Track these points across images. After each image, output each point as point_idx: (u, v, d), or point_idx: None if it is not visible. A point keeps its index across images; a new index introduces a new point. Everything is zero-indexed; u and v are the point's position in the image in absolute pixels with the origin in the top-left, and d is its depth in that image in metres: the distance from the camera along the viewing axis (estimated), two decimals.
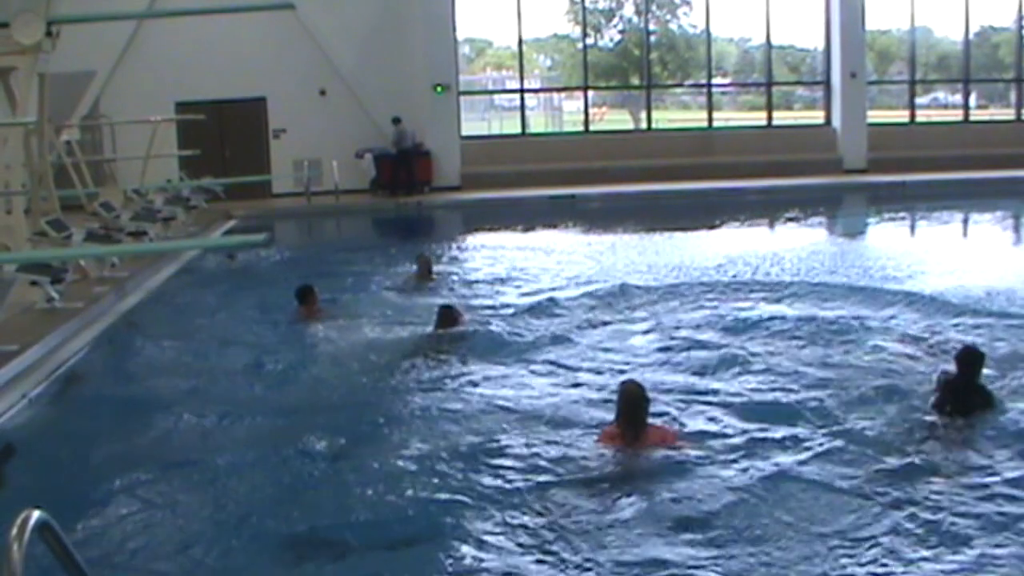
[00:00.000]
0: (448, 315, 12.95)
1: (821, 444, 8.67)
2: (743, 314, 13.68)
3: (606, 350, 12.19)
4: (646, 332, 13.11)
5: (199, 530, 7.41)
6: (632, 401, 8.57)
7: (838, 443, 8.68)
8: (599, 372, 11.13)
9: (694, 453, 8.43)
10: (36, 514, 4.04)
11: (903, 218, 26.54)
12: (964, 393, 9.19)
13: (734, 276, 16.83)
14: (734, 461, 8.32)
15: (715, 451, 8.55)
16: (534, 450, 8.64)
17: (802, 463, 8.24)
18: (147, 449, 9.30)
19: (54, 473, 8.75)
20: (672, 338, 12.53)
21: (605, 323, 13.67)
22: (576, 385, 10.74)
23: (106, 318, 14.68)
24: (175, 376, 11.83)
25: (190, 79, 30.12)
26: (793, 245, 18.56)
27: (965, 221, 26.96)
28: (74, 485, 8.33)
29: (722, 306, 14.22)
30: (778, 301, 14.57)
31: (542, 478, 8.10)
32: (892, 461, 8.20)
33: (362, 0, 31.42)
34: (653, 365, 11.43)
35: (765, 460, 8.31)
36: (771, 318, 13.30)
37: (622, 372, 10.79)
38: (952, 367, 9.60)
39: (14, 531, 3.94)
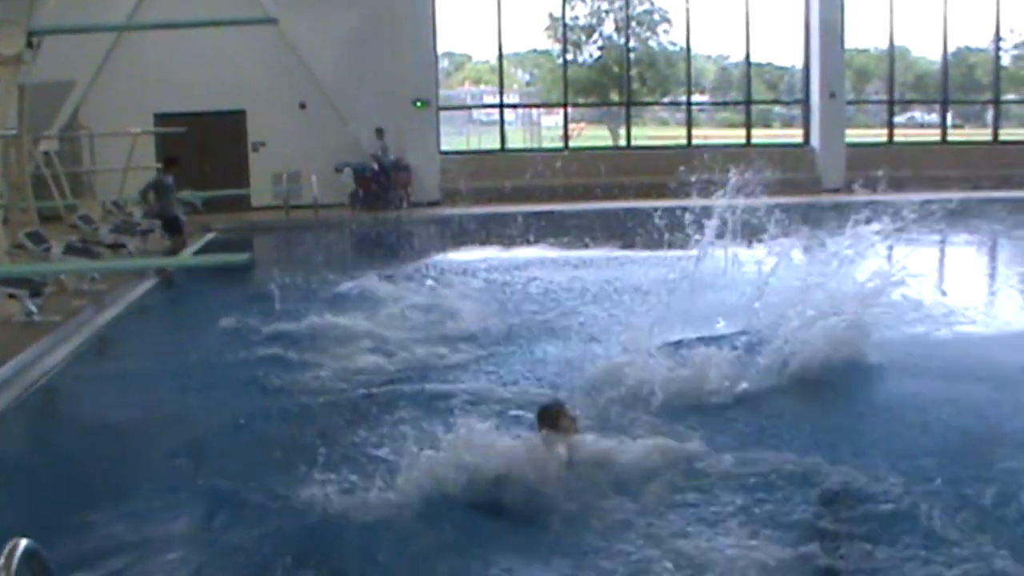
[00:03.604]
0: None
1: None
2: None
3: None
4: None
5: (182, 552, 7.32)
6: (548, 420, 8.63)
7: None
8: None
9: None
10: (24, 543, 4.00)
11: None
12: None
13: None
14: None
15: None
16: None
17: None
18: (126, 467, 9.23)
19: (31, 491, 8.67)
20: None
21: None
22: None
23: (84, 331, 14.59)
24: (153, 392, 11.77)
25: (170, 91, 30.00)
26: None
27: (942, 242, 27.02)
28: (52, 504, 8.25)
29: None
30: None
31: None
32: None
33: (343, 14, 31.33)
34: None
35: None
36: None
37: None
38: None
39: (1, 560, 3.90)
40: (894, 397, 10.55)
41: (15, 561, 3.89)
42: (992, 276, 21.15)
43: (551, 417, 8.65)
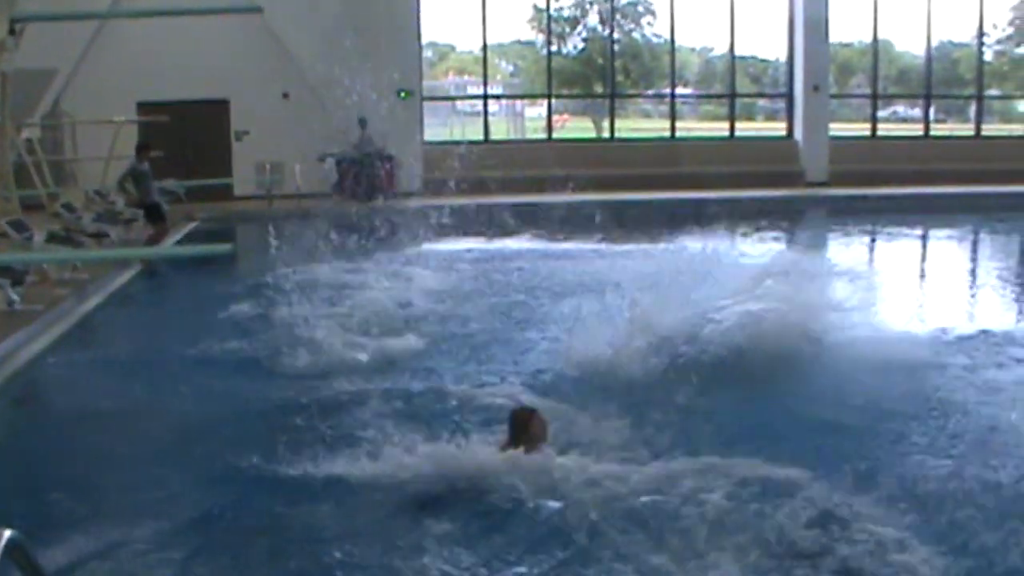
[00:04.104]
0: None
1: None
2: None
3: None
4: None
5: (163, 543, 7.30)
6: (520, 424, 8.65)
7: None
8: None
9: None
10: (7, 533, 3.98)
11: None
12: None
13: None
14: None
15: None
16: None
17: None
18: (107, 457, 9.21)
19: (12, 478, 8.64)
20: None
21: None
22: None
23: (67, 320, 14.54)
24: (136, 380, 11.75)
25: (153, 79, 29.88)
26: None
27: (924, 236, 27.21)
28: (33, 493, 8.23)
29: None
30: None
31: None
32: None
33: (327, 3, 31.21)
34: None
35: None
36: None
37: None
38: None
39: None
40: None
41: None
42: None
43: (523, 420, 8.68)
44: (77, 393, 11.73)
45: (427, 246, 20.88)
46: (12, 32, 17.25)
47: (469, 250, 22.00)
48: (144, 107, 29.40)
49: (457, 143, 34.15)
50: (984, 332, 13.51)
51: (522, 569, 6.86)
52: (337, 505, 7.90)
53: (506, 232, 23.32)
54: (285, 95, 31.80)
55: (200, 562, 7.09)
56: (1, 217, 16.88)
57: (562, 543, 7.12)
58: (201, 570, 7.00)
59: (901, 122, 39.16)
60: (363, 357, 12.38)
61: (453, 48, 39.60)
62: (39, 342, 13.11)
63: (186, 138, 30.20)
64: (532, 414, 8.76)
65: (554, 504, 7.61)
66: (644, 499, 7.57)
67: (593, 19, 37.57)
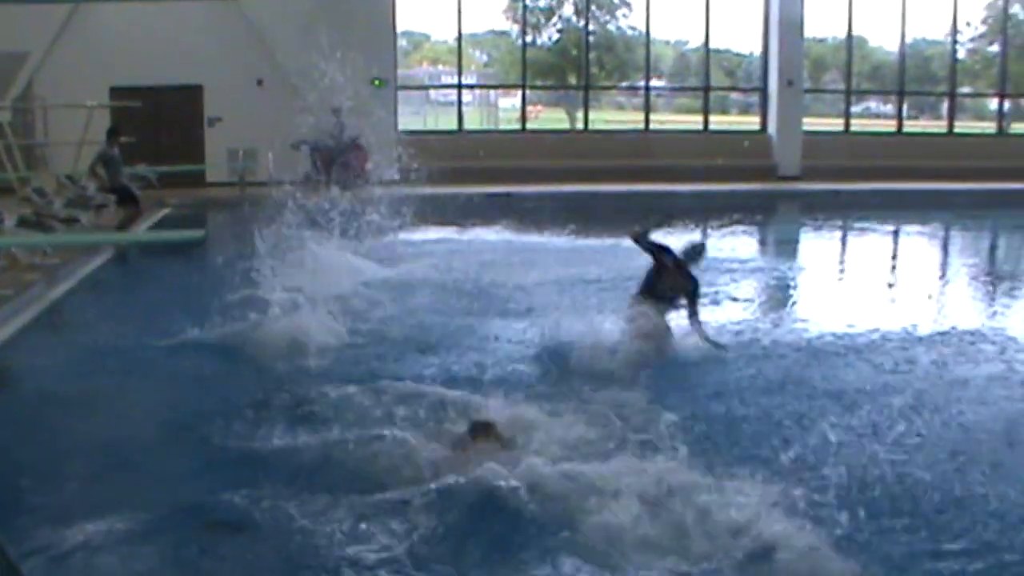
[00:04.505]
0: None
1: None
2: None
3: None
4: None
5: (133, 530, 7.27)
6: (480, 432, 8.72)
7: None
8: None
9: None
10: None
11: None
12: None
13: None
14: None
15: None
16: None
17: None
18: (76, 444, 9.17)
19: None
20: None
21: None
22: None
23: (36, 306, 14.48)
24: (105, 365, 11.73)
25: (126, 64, 29.74)
26: None
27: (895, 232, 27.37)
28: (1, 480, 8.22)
29: None
30: None
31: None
32: None
33: None
34: None
35: None
36: None
37: None
38: None
39: None
40: None
41: None
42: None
43: (483, 429, 8.73)
44: (46, 378, 11.68)
45: (394, 236, 20.82)
46: None
47: (436, 240, 22.07)
48: (117, 92, 29.21)
49: (431, 133, 34.25)
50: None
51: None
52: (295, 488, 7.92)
53: (476, 222, 23.33)
54: (259, 82, 31.70)
55: (167, 548, 7.08)
56: None
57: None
58: (169, 553, 7.00)
59: (874, 118, 39.30)
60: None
61: (428, 37, 39.57)
62: (9, 327, 13.05)
63: (159, 123, 30.10)
64: (489, 427, 8.77)
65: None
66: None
67: (568, 10, 37.64)
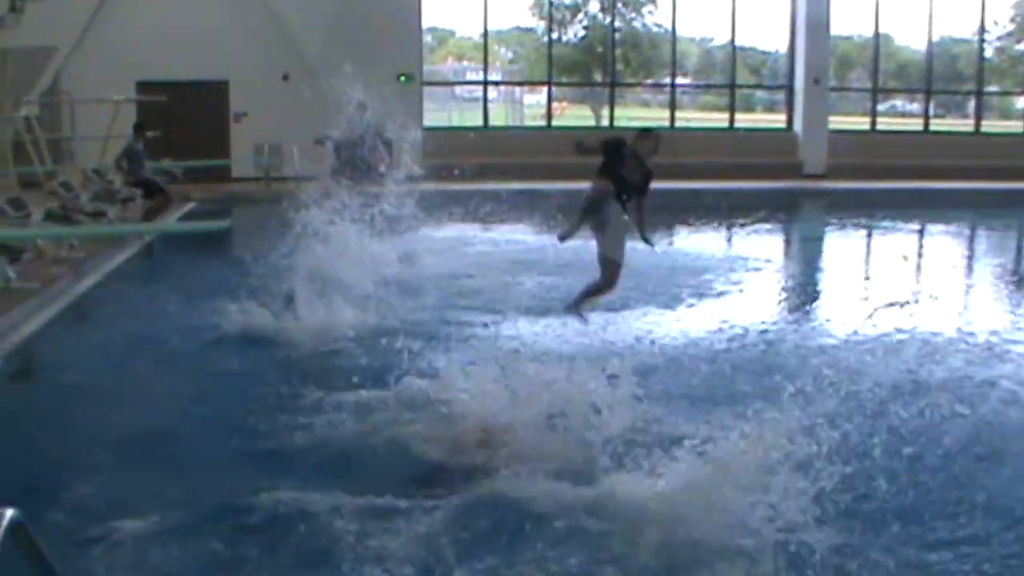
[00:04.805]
0: None
1: None
2: None
3: None
4: None
5: (160, 520, 7.24)
6: None
7: None
8: None
9: None
10: (9, 513, 3.96)
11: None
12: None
13: None
14: None
15: None
16: None
17: None
18: (102, 435, 9.17)
19: (6, 457, 8.62)
20: None
21: None
22: None
23: (63, 299, 14.51)
24: (130, 361, 11.75)
25: (152, 59, 29.84)
26: None
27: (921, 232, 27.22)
28: (30, 471, 8.22)
29: None
30: None
31: None
32: None
33: None
34: None
35: None
36: None
37: None
38: None
39: None
40: None
41: (0, 532, 3.84)
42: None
43: None
44: (72, 370, 11.71)
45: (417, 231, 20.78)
46: (13, 9, 17.20)
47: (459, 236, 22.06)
48: (143, 86, 29.32)
49: (456, 129, 34.21)
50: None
51: None
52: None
53: (498, 220, 23.26)
54: (285, 77, 31.73)
55: (199, 538, 7.06)
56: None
57: None
58: (196, 546, 6.97)
59: (900, 116, 39.16)
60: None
61: (453, 33, 39.57)
62: (36, 320, 13.08)
63: (184, 118, 30.16)
64: None
65: None
66: None
67: (594, 7, 37.60)
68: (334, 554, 6.75)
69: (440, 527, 7.01)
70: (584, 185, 13.86)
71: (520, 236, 22.47)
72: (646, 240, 13.27)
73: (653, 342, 12.40)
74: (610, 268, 13.15)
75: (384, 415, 9.29)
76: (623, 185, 12.99)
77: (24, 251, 14.50)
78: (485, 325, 12.82)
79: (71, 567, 6.38)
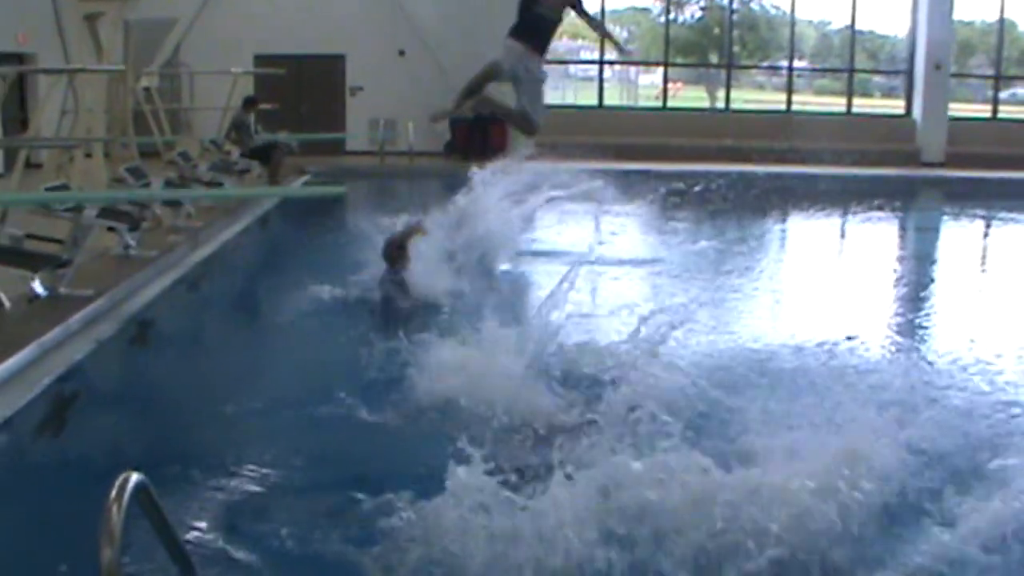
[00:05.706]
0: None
1: None
2: None
3: None
4: None
5: (289, 487, 7.28)
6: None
7: None
8: None
9: None
10: (135, 477, 4.01)
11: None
12: None
13: None
14: None
15: None
16: None
17: None
18: (220, 402, 9.23)
19: (127, 423, 8.75)
20: None
21: None
22: None
23: (179, 267, 14.69)
24: (246, 327, 11.89)
25: (270, 33, 30.17)
26: None
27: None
28: (145, 432, 8.35)
29: None
30: None
31: None
32: None
33: None
34: None
35: None
36: None
37: None
38: None
39: (113, 493, 3.91)
40: None
41: (126, 495, 3.90)
42: None
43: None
44: (188, 337, 11.88)
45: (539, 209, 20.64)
46: None
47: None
48: (261, 59, 29.65)
49: (571, 108, 34.13)
50: None
51: None
52: None
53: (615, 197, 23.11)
54: (401, 52, 31.90)
55: (311, 496, 7.10)
56: (120, 164, 17.08)
57: None
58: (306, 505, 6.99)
59: (1021, 104, 38.41)
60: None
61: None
62: (154, 287, 13.25)
63: (301, 92, 30.48)
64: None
65: None
66: None
67: None
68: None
69: None
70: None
71: None
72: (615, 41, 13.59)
73: None
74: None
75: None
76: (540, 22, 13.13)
77: (144, 219, 14.68)
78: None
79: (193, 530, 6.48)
